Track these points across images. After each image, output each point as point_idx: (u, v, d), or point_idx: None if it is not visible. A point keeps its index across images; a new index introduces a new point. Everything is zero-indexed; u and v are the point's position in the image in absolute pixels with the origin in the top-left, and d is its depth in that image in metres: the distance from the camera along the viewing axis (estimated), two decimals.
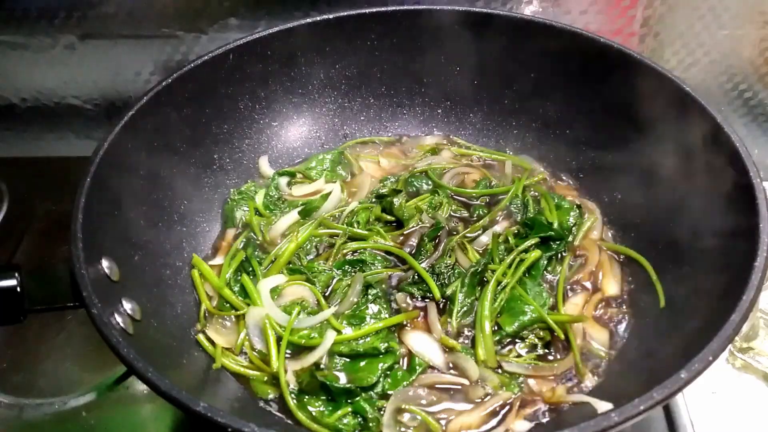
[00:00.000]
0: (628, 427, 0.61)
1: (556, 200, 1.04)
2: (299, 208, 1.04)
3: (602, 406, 0.74)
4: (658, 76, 0.95)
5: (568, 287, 0.94)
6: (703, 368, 0.63)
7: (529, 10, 1.23)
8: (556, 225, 0.98)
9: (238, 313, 0.89)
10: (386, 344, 0.85)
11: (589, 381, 0.83)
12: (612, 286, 0.94)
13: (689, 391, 0.66)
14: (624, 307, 0.92)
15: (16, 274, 0.74)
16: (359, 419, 0.79)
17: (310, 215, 1.03)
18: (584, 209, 1.03)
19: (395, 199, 1.03)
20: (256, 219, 1.03)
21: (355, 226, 1.00)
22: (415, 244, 0.98)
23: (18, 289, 0.73)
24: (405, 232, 1.00)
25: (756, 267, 0.71)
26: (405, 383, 0.82)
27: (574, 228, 1.00)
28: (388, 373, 0.83)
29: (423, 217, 1.02)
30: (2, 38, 1.26)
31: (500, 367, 0.84)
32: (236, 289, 0.93)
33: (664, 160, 0.96)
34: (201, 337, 0.87)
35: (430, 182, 1.09)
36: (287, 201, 1.07)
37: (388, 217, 1.03)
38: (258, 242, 0.99)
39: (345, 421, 0.78)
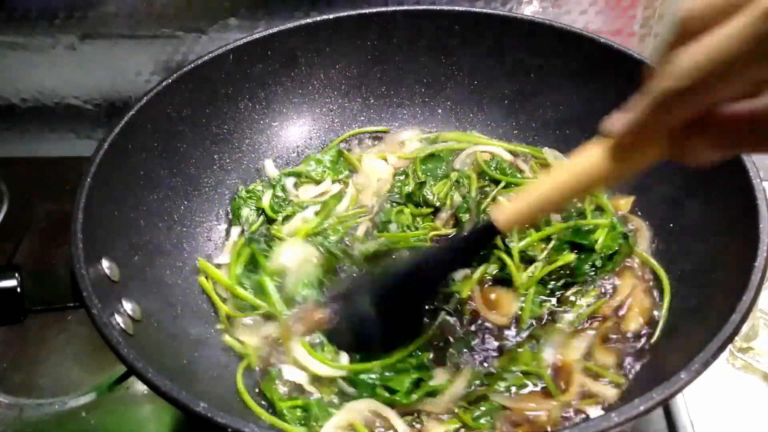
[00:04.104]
0: (628, 428, 0.61)
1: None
2: (315, 208, 1.03)
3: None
4: None
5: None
6: (703, 368, 0.63)
7: (529, 11, 1.23)
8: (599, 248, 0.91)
9: (260, 312, 0.89)
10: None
11: (593, 411, 0.78)
12: (634, 322, 0.86)
13: (689, 391, 0.65)
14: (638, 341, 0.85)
15: (16, 275, 0.74)
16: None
17: (328, 215, 1.02)
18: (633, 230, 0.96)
19: (425, 190, 1.03)
20: (262, 219, 1.03)
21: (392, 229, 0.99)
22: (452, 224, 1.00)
23: (18, 289, 0.73)
24: (442, 216, 1.01)
25: (756, 267, 0.70)
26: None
27: (616, 256, 0.92)
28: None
29: (454, 196, 1.02)
30: (2, 38, 1.26)
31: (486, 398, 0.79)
32: (248, 285, 0.93)
33: (663, 160, 0.95)
34: (229, 339, 0.87)
35: (442, 166, 1.09)
36: (293, 202, 1.06)
37: (425, 210, 1.02)
38: (264, 240, 0.99)
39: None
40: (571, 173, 0.65)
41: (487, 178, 1.06)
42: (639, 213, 0.99)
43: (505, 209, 0.71)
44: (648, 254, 0.93)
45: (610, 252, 0.92)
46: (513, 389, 0.80)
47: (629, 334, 0.85)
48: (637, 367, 0.82)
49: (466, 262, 0.89)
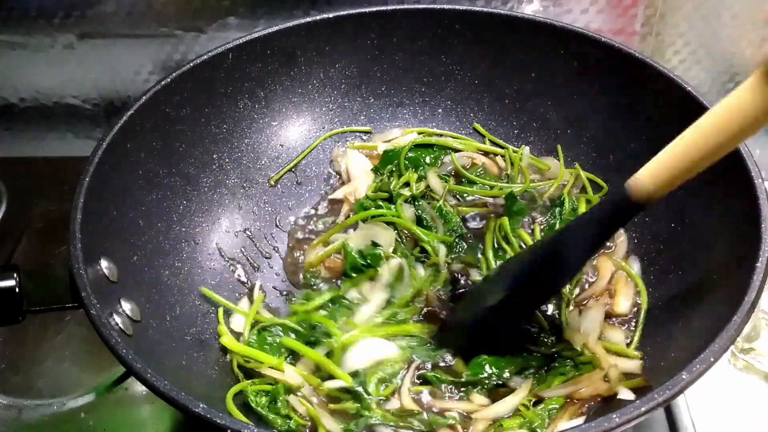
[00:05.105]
0: (630, 428, 0.61)
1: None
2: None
3: (625, 394, 0.75)
4: (659, 76, 0.94)
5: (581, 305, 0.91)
6: (704, 369, 0.63)
7: (529, 10, 1.23)
8: None
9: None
10: None
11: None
12: (622, 304, 0.90)
13: (691, 391, 0.65)
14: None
15: (15, 275, 0.73)
16: None
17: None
18: None
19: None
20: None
21: None
22: None
23: (17, 289, 0.73)
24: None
25: (758, 267, 0.70)
26: None
27: None
28: None
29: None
30: (0, 37, 1.26)
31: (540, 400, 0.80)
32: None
33: None
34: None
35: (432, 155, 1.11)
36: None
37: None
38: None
39: None
40: (724, 113, 0.57)
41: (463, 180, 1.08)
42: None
43: (648, 174, 0.62)
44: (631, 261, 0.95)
45: None
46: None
47: (627, 314, 0.89)
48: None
49: (598, 246, 0.80)
